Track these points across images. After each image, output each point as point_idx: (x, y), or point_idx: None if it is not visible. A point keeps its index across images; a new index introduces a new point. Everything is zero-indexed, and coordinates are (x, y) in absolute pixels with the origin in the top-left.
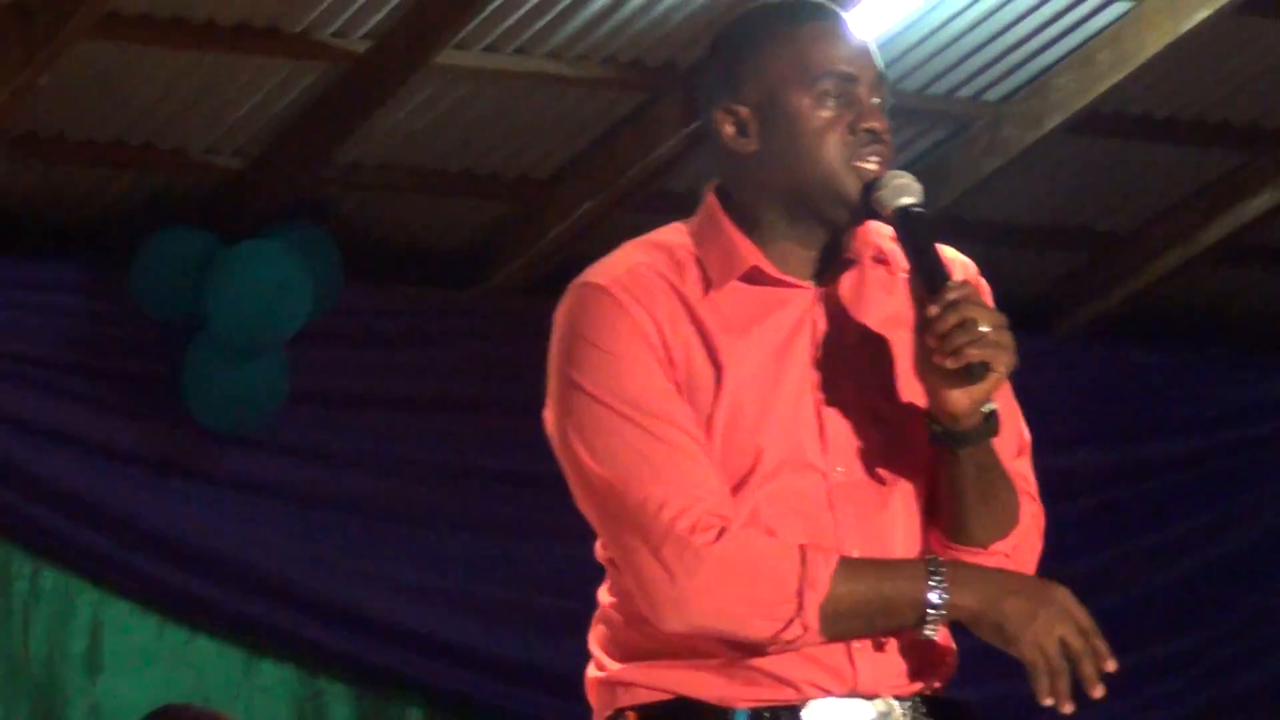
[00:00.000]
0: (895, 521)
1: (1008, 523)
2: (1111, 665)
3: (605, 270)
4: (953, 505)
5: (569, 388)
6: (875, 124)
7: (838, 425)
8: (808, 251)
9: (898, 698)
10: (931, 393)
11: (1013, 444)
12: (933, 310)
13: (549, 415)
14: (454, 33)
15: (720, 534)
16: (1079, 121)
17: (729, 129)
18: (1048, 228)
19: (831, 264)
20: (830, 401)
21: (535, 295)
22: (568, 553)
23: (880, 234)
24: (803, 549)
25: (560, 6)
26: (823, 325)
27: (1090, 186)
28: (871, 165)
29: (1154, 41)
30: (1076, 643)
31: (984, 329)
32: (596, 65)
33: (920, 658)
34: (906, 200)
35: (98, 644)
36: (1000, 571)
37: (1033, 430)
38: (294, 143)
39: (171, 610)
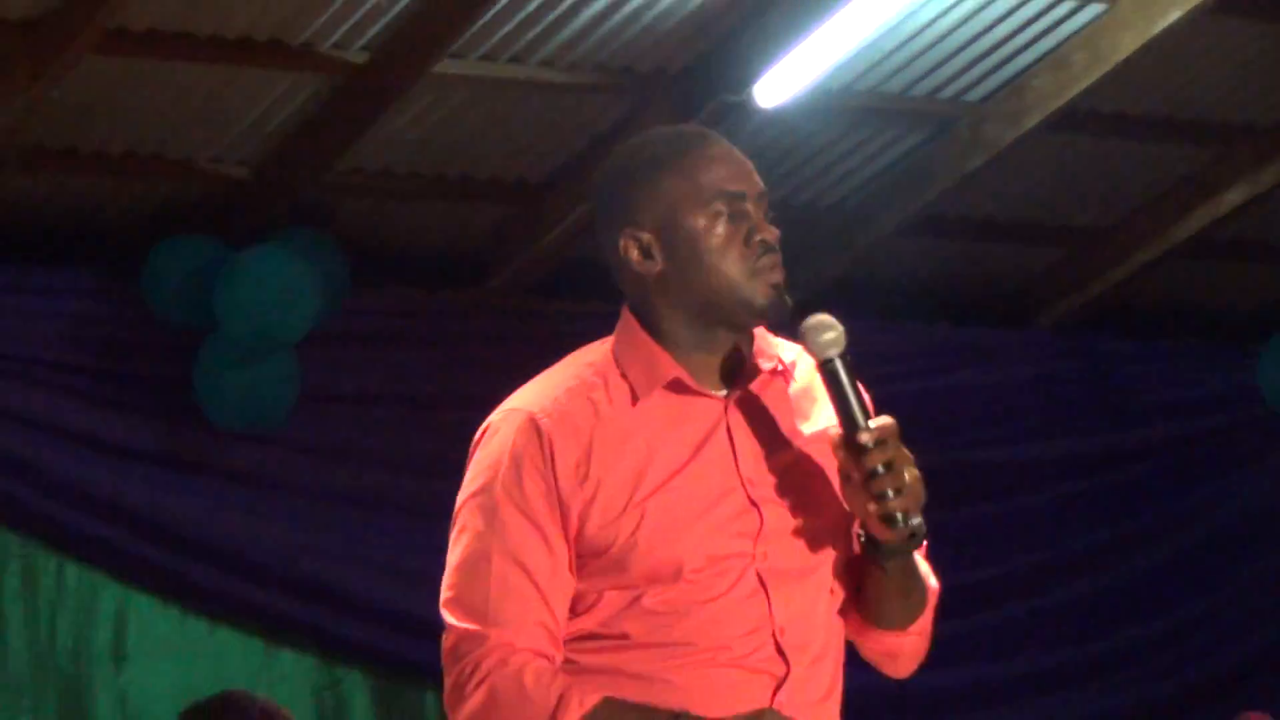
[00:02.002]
0: (817, 603)
1: (921, 605)
2: None
3: (536, 398)
4: (877, 602)
5: (465, 498)
6: (767, 235)
7: (770, 514)
8: (714, 360)
9: None
10: (859, 515)
11: None
12: (861, 439)
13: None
14: (450, 42)
15: (505, 664)
16: (1056, 120)
17: (634, 254)
18: (1027, 224)
19: (735, 374)
20: (757, 496)
21: (534, 295)
22: None
23: (775, 344)
24: (564, 693)
25: (553, 16)
26: (739, 430)
27: (1068, 183)
28: (774, 275)
29: (1128, 42)
30: None
31: (905, 480)
32: (588, 72)
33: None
34: (833, 353)
35: (122, 636)
36: None
37: (1012, 421)
38: (297, 151)
39: (192, 602)
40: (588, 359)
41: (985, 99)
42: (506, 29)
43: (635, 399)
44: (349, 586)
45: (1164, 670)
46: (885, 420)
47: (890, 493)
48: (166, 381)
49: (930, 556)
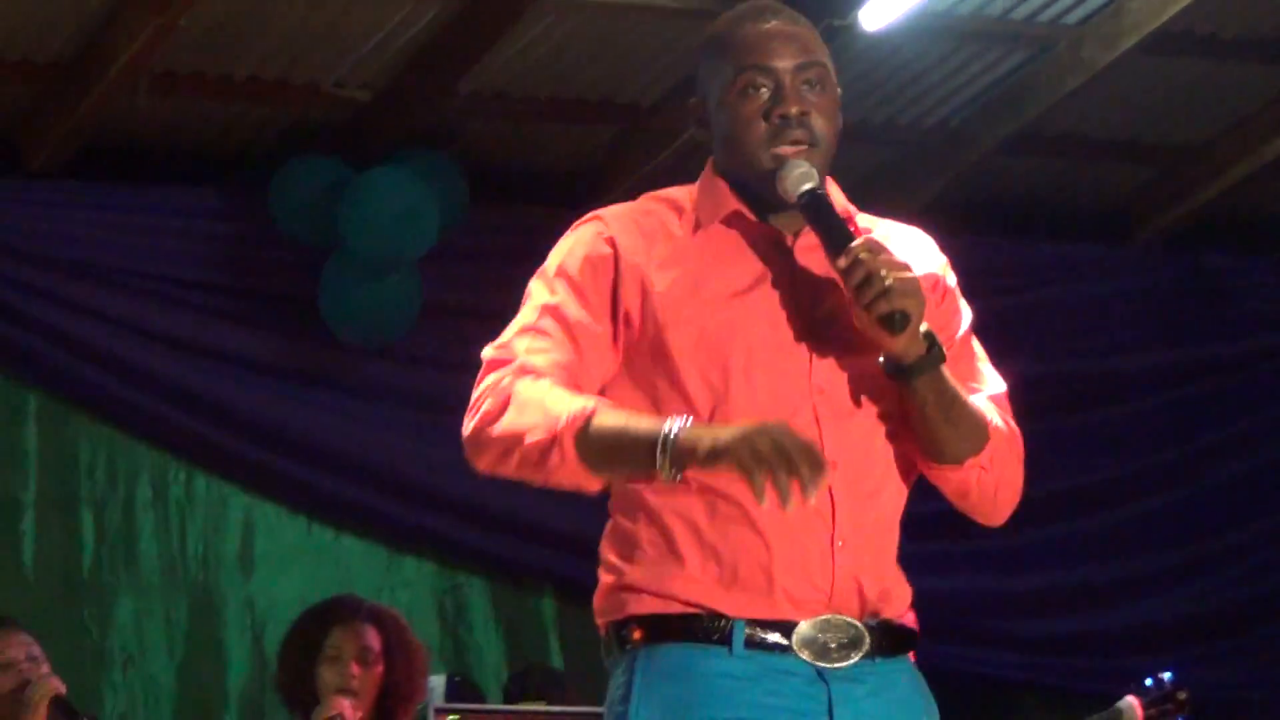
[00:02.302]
0: (870, 440)
1: (977, 440)
2: (819, 480)
3: (609, 210)
4: (921, 429)
5: (533, 278)
6: (790, 109)
7: (824, 347)
8: (775, 213)
9: (865, 623)
10: (872, 337)
11: (976, 381)
12: (839, 263)
13: None
14: None
15: (523, 376)
16: (1153, 42)
17: (694, 121)
18: (1124, 142)
19: (795, 223)
20: (810, 332)
21: None
22: None
23: (841, 196)
24: (575, 397)
25: None
26: (801, 271)
27: (1163, 103)
28: (786, 148)
29: None
30: (784, 443)
31: (888, 281)
32: None
33: (885, 591)
34: (807, 186)
35: (249, 544)
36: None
37: (1110, 333)
38: (418, 75)
39: (318, 512)
40: (669, 193)
41: (1083, 21)
42: None
43: (697, 228)
44: (468, 495)
45: (1244, 577)
46: (862, 238)
47: (877, 296)
48: (293, 298)
49: (1038, 461)
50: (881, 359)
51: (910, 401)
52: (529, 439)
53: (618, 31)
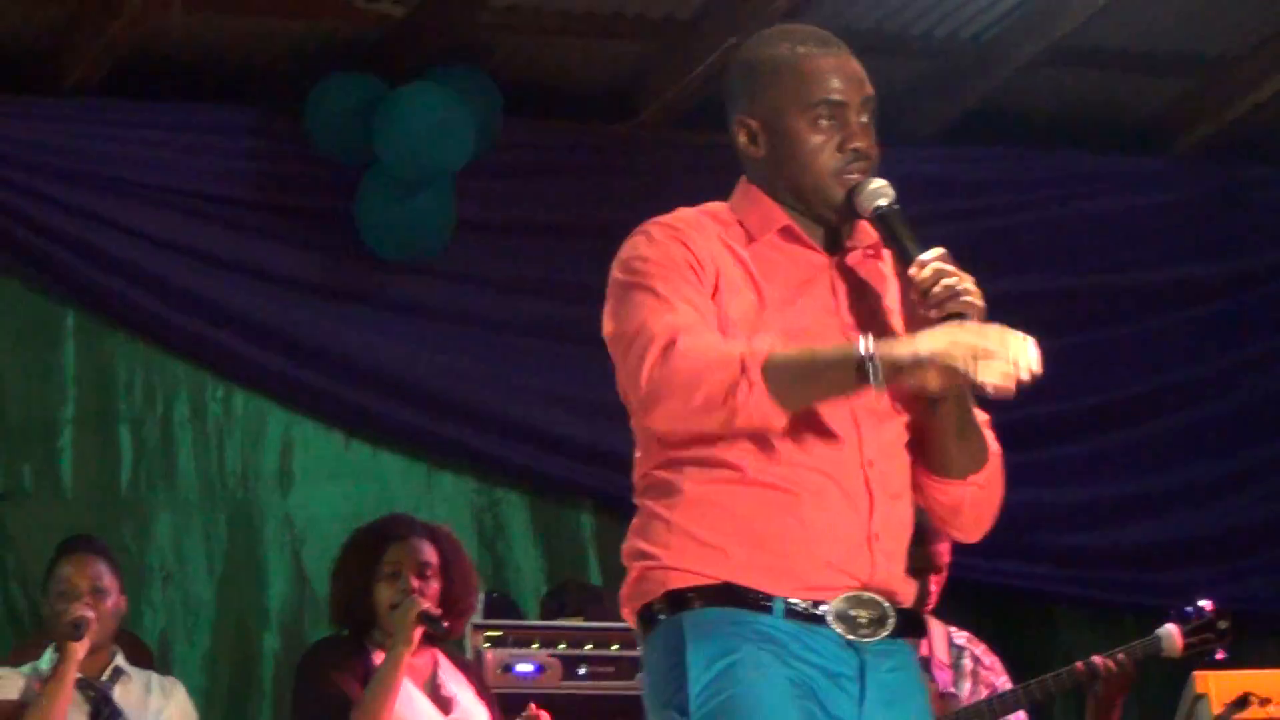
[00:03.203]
0: (899, 445)
1: (980, 459)
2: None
3: (668, 216)
4: (937, 444)
5: (613, 284)
6: (859, 144)
7: None
8: (817, 230)
9: (893, 605)
10: None
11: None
12: (914, 270)
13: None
14: None
15: (682, 334)
16: None
17: (743, 137)
18: (1161, 53)
19: (834, 245)
20: (852, 340)
21: (681, 129)
22: None
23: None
24: (743, 342)
25: None
26: (840, 283)
27: (1200, 13)
28: (855, 177)
29: None
30: (990, 334)
31: (958, 285)
32: None
33: (905, 584)
34: (882, 202)
35: (288, 460)
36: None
37: (1147, 245)
38: None
39: (356, 428)
40: (709, 208)
41: None
42: None
43: (750, 239)
44: (505, 410)
45: None
46: (935, 249)
47: (948, 296)
48: (328, 214)
49: (1074, 374)
50: None
51: (935, 415)
52: (712, 378)
53: None
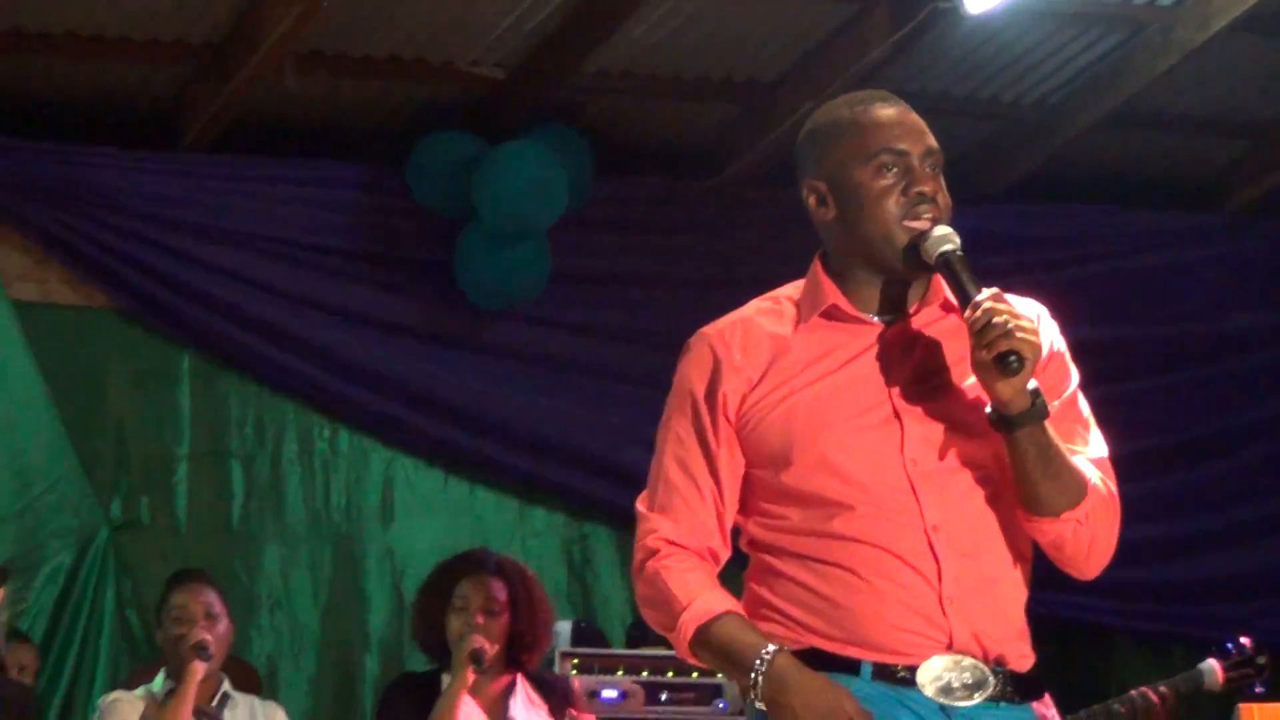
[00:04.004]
0: (968, 502)
1: (1075, 495)
2: None
3: (718, 323)
4: (1021, 481)
5: (665, 410)
6: (925, 187)
7: (914, 420)
8: (874, 292)
9: (992, 668)
10: (985, 388)
11: (1079, 443)
12: (968, 313)
13: None
14: None
15: (660, 557)
16: (1242, 22)
17: (813, 201)
18: (1215, 118)
19: (899, 306)
20: (902, 409)
21: (763, 185)
22: None
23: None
24: (696, 597)
25: None
26: (890, 351)
27: (1253, 80)
28: (923, 223)
29: None
30: None
31: (1009, 325)
32: None
33: (1006, 647)
34: (948, 248)
35: (389, 495)
36: (810, 677)
37: (1203, 298)
38: (548, 54)
39: (454, 465)
40: (783, 290)
41: (1176, 3)
42: None
43: (799, 323)
44: (593, 449)
45: None
46: (990, 290)
47: (998, 336)
48: (429, 264)
49: (1136, 418)
50: (989, 410)
51: (1012, 453)
52: (658, 621)
53: (736, 14)
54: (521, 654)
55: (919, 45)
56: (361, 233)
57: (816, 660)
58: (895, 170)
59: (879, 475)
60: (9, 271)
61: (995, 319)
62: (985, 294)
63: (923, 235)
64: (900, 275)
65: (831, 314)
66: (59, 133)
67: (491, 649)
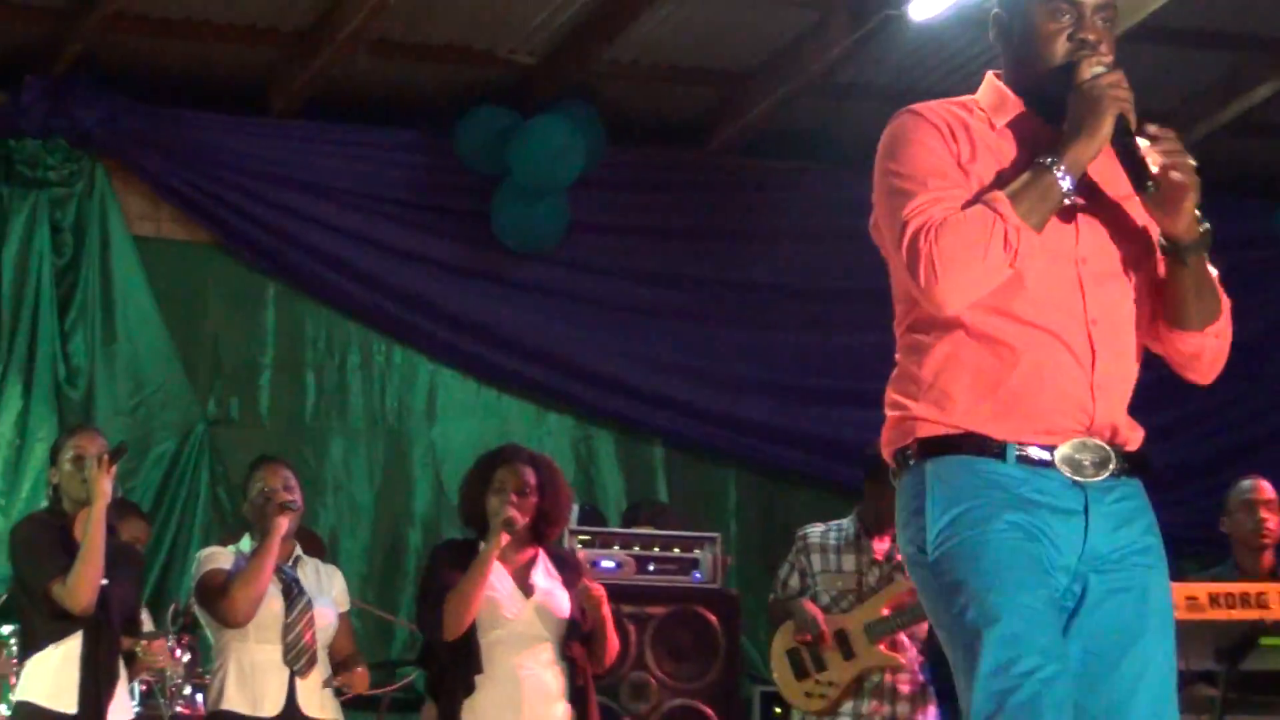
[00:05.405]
0: (1123, 305)
1: (1216, 311)
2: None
3: (925, 104)
4: (1178, 301)
5: (882, 173)
6: (1091, 34)
7: (1088, 228)
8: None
9: (1114, 448)
10: (1159, 221)
11: None
12: (1152, 130)
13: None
14: None
15: (943, 216)
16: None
17: (995, 30)
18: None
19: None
20: (1079, 211)
21: (743, 156)
22: (770, 339)
23: None
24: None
25: None
26: None
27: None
28: (1085, 67)
29: None
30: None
31: (1189, 160)
32: None
33: (1129, 431)
34: (1099, 69)
35: (433, 400)
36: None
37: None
38: (572, 45)
39: (486, 377)
40: (959, 100)
41: None
42: None
43: (993, 125)
44: (600, 366)
45: None
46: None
47: (1180, 167)
48: (471, 214)
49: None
50: (1162, 239)
51: (1175, 275)
52: (979, 236)
53: (721, 16)
54: (546, 529)
55: (872, 45)
56: (416, 187)
57: (969, 441)
58: (1067, 16)
59: (1054, 267)
60: (130, 212)
61: (1175, 147)
62: (1161, 130)
63: (1080, 60)
64: (1055, 105)
65: (1020, 120)
66: (174, 100)
67: (521, 520)
